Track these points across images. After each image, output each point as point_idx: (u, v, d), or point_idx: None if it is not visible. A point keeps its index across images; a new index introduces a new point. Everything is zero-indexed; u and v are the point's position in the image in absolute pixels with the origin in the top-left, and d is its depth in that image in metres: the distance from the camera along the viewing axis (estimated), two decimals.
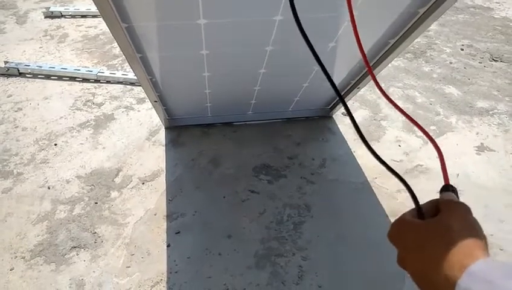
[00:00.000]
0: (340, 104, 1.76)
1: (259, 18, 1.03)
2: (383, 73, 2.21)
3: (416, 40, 1.22)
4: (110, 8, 0.86)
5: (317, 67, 1.36)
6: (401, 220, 0.50)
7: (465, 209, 0.47)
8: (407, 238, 0.48)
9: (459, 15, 2.90)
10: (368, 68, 0.63)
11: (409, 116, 0.60)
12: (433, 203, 0.51)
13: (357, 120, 1.89)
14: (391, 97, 0.62)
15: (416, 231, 0.47)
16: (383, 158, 0.57)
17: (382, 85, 2.15)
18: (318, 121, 1.88)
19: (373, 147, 0.59)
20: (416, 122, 0.59)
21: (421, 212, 0.50)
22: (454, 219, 0.45)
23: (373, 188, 1.57)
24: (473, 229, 0.44)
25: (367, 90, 2.08)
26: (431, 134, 0.59)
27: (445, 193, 0.52)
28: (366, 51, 1.29)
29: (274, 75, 1.40)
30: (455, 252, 0.41)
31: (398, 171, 0.58)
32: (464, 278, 0.38)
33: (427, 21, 1.07)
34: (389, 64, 1.52)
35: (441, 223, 0.45)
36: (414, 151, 1.73)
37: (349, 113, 0.59)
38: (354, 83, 1.55)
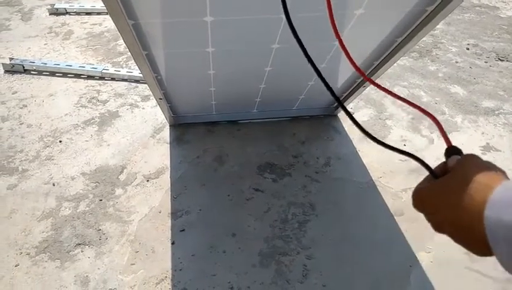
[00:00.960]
0: (346, 103, 1.76)
1: (265, 16, 1.02)
2: (389, 71, 2.20)
3: (421, 39, 1.22)
4: (118, 5, 0.86)
5: (323, 65, 1.35)
6: (419, 188, 0.51)
7: (473, 156, 0.48)
8: (431, 201, 0.48)
9: (465, 14, 2.89)
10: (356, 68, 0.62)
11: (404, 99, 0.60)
12: (443, 165, 0.52)
13: (362, 119, 1.88)
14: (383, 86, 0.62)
15: (436, 190, 0.48)
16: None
17: (387, 85, 2.14)
18: (323, 119, 1.88)
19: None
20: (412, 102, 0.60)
21: (435, 174, 0.51)
22: (467, 166, 0.46)
23: (378, 187, 1.57)
24: (485, 167, 0.44)
25: (372, 89, 2.07)
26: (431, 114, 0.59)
27: (451, 156, 0.53)
28: (373, 49, 1.28)
29: (279, 73, 1.40)
30: (476, 190, 0.41)
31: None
32: (488, 209, 0.38)
33: (435, 19, 1.06)
34: (395, 64, 1.52)
35: (456, 173, 0.46)
36: (419, 151, 1.72)
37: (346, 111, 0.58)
38: (360, 81, 1.55)
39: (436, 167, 0.53)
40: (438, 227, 0.48)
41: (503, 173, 0.44)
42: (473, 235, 0.41)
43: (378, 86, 0.63)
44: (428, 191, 0.49)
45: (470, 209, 0.41)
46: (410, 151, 0.56)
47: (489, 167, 0.45)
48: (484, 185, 0.41)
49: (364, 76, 0.61)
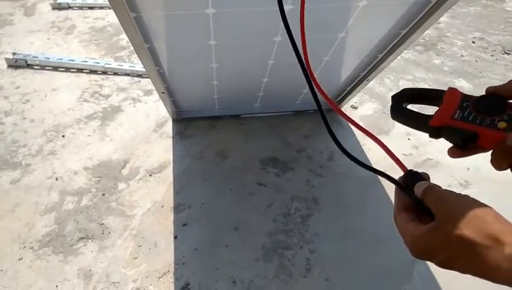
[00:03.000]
0: (349, 97, 1.74)
1: (268, 7, 1.01)
2: (393, 65, 2.18)
3: (426, 33, 1.20)
4: None
5: (327, 58, 1.34)
6: (412, 239, 0.46)
7: (450, 196, 0.44)
8: (431, 256, 0.44)
9: (470, 7, 2.86)
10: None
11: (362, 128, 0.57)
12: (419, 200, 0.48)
13: (367, 113, 1.87)
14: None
15: (433, 249, 0.43)
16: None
17: (391, 78, 2.12)
18: (327, 113, 1.85)
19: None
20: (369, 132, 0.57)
21: (415, 199, 0.47)
22: (457, 224, 0.41)
23: (381, 181, 1.55)
24: (480, 216, 0.41)
25: (376, 83, 2.05)
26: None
27: (417, 183, 0.47)
28: (377, 41, 1.27)
29: (282, 67, 1.39)
30: (483, 241, 0.39)
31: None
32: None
33: (439, 11, 1.04)
34: (399, 57, 1.50)
35: (450, 235, 0.41)
36: (424, 145, 1.70)
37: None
38: (364, 75, 1.53)
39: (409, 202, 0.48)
40: (447, 268, 0.45)
41: (487, 206, 0.42)
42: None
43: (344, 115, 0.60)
44: (428, 245, 0.44)
45: (494, 276, 0.39)
46: (384, 172, 0.51)
47: (475, 205, 0.42)
48: (497, 253, 0.38)
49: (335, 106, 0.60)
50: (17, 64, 2.09)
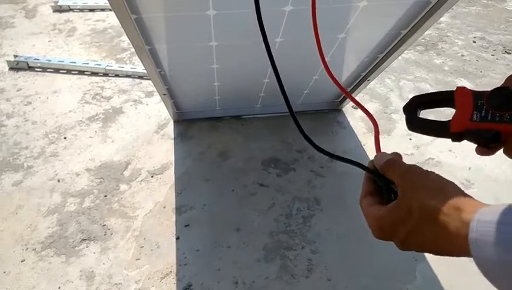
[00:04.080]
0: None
1: (268, 8, 1.01)
2: (394, 65, 2.18)
3: (427, 33, 1.20)
4: None
5: (328, 59, 1.34)
6: (375, 219, 0.47)
7: (415, 169, 0.46)
8: (392, 232, 0.45)
9: (471, 7, 2.85)
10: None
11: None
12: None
13: None
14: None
15: (395, 223, 0.44)
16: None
17: (392, 78, 2.12)
18: (328, 114, 1.87)
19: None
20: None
21: (383, 195, 0.49)
22: (419, 194, 0.42)
23: None
24: (441, 187, 0.42)
25: (377, 83, 2.05)
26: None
27: (376, 154, 0.51)
28: (377, 41, 1.27)
29: (283, 68, 1.38)
30: (451, 227, 0.39)
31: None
32: (473, 251, 0.36)
33: (439, 11, 1.04)
34: (400, 57, 1.50)
35: (412, 205, 0.42)
36: (425, 145, 1.70)
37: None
38: (364, 75, 1.53)
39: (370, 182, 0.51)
40: (405, 249, 0.46)
41: (450, 183, 0.43)
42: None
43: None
44: (389, 222, 0.45)
45: (451, 246, 0.39)
46: (349, 158, 0.54)
47: (438, 183, 0.43)
48: (455, 219, 0.39)
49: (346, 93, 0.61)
50: (19, 66, 2.09)
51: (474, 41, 2.46)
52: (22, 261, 1.28)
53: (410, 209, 0.42)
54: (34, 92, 1.96)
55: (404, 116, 0.55)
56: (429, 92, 0.55)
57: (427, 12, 1.08)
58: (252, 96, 1.69)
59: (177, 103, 1.68)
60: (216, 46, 1.18)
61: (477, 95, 0.49)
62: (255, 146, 1.70)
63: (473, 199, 0.40)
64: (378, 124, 0.59)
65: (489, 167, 1.62)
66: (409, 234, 0.43)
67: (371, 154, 1.66)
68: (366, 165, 0.52)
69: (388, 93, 2.00)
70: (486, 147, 0.48)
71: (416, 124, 0.53)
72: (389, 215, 0.45)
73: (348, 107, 1.89)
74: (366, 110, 0.59)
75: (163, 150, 1.66)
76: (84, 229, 1.37)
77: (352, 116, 1.85)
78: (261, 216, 1.43)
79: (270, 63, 0.60)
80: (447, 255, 0.41)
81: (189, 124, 1.79)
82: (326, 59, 1.40)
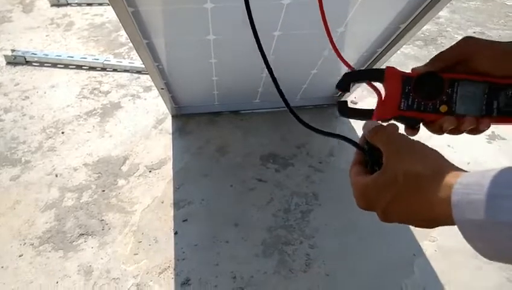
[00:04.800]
0: (349, 92, 1.74)
1: (267, 1, 1.00)
2: (393, 59, 2.17)
3: (426, 27, 1.20)
4: None
5: (326, 53, 1.33)
6: (360, 186, 0.48)
7: (400, 136, 0.47)
8: (376, 200, 0.46)
9: (470, 2, 2.84)
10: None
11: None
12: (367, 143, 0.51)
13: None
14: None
15: (380, 190, 0.45)
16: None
17: None
18: (326, 109, 1.86)
19: None
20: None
21: (368, 164, 0.51)
22: (404, 161, 0.43)
23: None
24: (426, 154, 0.43)
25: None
26: None
27: (364, 123, 0.52)
28: (376, 35, 1.26)
29: (282, 62, 1.38)
30: (430, 189, 0.39)
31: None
32: (455, 214, 0.36)
33: (438, 4, 1.04)
34: (399, 52, 1.50)
35: (397, 171, 0.43)
36: (423, 140, 1.69)
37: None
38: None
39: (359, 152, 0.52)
40: (386, 220, 0.46)
41: (435, 152, 0.44)
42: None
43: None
44: (373, 192, 0.46)
45: (434, 213, 0.39)
46: (339, 134, 0.55)
47: (424, 150, 0.44)
48: (438, 183, 0.39)
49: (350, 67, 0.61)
50: (16, 61, 2.08)
51: None
52: (19, 256, 1.27)
53: (394, 175, 0.43)
54: (31, 87, 1.95)
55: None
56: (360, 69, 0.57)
57: (426, 6, 1.07)
58: (250, 91, 1.68)
59: (176, 97, 1.67)
60: (214, 40, 1.17)
61: (405, 79, 0.52)
62: (253, 141, 1.69)
63: (456, 166, 0.41)
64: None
65: (488, 162, 1.62)
66: (391, 202, 0.44)
67: None
68: (359, 139, 0.54)
69: None
70: (411, 129, 0.53)
71: (345, 112, 0.56)
72: (374, 183, 0.45)
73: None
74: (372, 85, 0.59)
75: (161, 145, 1.66)
76: (82, 224, 1.36)
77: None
78: (259, 211, 1.43)
79: (266, 57, 0.59)
80: (428, 226, 0.42)
81: (187, 118, 1.78)
82: (324, 53, 1.39)
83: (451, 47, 0.51)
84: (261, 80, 1.55)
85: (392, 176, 0.43)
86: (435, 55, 0.52)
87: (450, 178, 0.38)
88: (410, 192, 0.42)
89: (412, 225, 0.44)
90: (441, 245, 1.33)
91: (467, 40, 0.50)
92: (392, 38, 1.27)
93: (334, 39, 1.28)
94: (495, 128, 1.78)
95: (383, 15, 1.16)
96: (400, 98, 0.51)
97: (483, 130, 0.50)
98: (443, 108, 0.50)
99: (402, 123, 0.53)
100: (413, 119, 0.51)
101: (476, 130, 0.51)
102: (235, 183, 1.52)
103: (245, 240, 1.34)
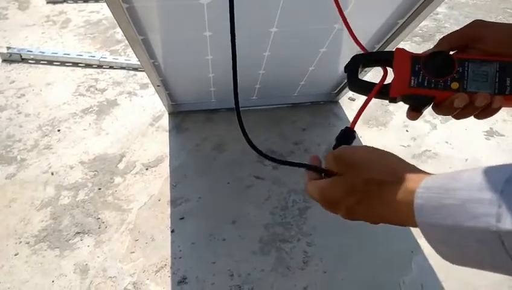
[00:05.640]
0: (347, 89, 1.73)
1: None
2: None
3: (424, 24, 1.19)
4: None
5: (323, 50, 1.32)
6: (319, 191, 0.48)
7: (347, 150, 0.47)
8: (339, 199, 0.46)
9: None
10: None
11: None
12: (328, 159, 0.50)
13: None
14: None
15: (340, 194, 0.45)
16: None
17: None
18: (324, 106, 1.85)
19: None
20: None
21: (323, 172, 0.51)
22: (362, 171, 0.43)
23: None
24: (385, 162, 0.43)
25: (373, 77, 2.04)
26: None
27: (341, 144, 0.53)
28: (374, 31, 1.25)
29: (279, 59, 1.37)
30: (399, 190, 0.39)
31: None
32: (418, 217, 0.36)
33: (436, 0, 1.03)
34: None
35: (355, 181, 0.43)
36: (422, 137, 1.70)
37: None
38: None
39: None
40: (351, 219, 0.47)
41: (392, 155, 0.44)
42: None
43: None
44: (333, 193, 0.46)
45: (397, 216, 0.40)
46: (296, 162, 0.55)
47: (382, 156, 0.44)
48: (401, 188, 0.39)
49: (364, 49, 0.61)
50: (12, 58, 2.06)
51: None
52: (15, 254, 1.26)
53: (353, 184, 0.43)
54: (27, 84, 1.93)
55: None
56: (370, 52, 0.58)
57: (425, 1, 1.07)
58: (247, 88, 1.67)
59: (172, 94, 1.66)
60: (210, 36, 1.16)
61: (415, 58, 0.52)
62: (251, 138, 1.68)
63: (418, 168, 0.41)
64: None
65: (486, 159, 1.61)
66: (356, 204, 0.44)
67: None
68: (308, 162, 0.54)
69: None
70: (418, 111, 0.52)
71: (357, 84, 0.57)
72: (332, 187, 0.46)
73: (344, 99, 1.88)
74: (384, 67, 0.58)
75: (158, 143, 1.65)
76: (78, 222, 1.36)
77: (349, 108, 1.84)
78: (256, 209, 1.42)
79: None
80: (397, 225, 0.42)
81: (184, 116, 1.77)
82: (322, 50, 1.38)
83: (460, 29, 0.51)
84: (258, 77, 1.54)
85: (351, 185, 0.44)
86: (443, 37, 0.52)
87: (412, 182, 0.38)
88: (373, 198, 0.42)
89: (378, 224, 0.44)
90: None
91: (476, 22, 0.50)
92: (389, 34, 1.26)
93: (332, 34, 1.27)
94: (493, 124, 1.77)
95: (380, 10, 1.15)
96: (409, 75, 0.52)
97: (496, 110, 0.49)
98: (454, 85, 0.50)
99: (411, 103, 0.52)
100: (424, 97, 0.51)
101: (487, 111, 0.49)
102: (232, 180, 1.51)
103: (242, 237, 1.33)
